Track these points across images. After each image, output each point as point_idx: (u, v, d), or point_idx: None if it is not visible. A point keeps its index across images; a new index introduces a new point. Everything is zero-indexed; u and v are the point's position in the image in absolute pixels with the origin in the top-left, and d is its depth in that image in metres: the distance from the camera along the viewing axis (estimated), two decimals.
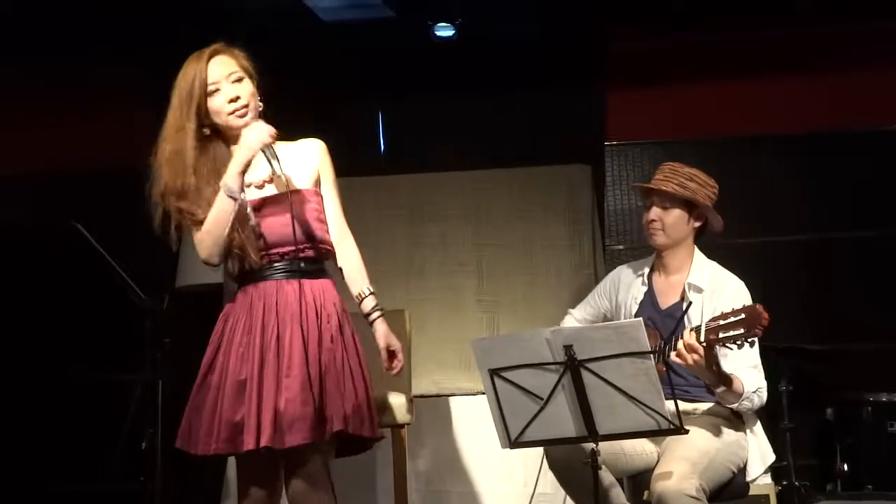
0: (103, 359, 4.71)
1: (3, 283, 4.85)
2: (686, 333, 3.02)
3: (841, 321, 4.49)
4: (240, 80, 2.96)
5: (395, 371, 3.07)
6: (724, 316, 2.99)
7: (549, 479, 4.38)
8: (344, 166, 5.15)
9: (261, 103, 2.99)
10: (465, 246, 4.79)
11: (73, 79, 4.89)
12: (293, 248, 2.94)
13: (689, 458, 3.08)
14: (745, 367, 3.19)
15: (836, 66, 4.66)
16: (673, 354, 3.03)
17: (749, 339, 2.94)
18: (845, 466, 4.06)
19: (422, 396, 4.39)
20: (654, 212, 3.40)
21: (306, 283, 2.95)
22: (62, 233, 3.71)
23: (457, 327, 4.64)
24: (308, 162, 3.06)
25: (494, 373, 2.92)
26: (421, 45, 4.78)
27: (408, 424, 4.02)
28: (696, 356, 2.98)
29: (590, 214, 4.80)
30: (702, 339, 2.99)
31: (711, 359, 3.04)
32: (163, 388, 3.76)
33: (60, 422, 4.74)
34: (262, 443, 2.79)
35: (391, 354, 3.05)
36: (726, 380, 3.11)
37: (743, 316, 2.95)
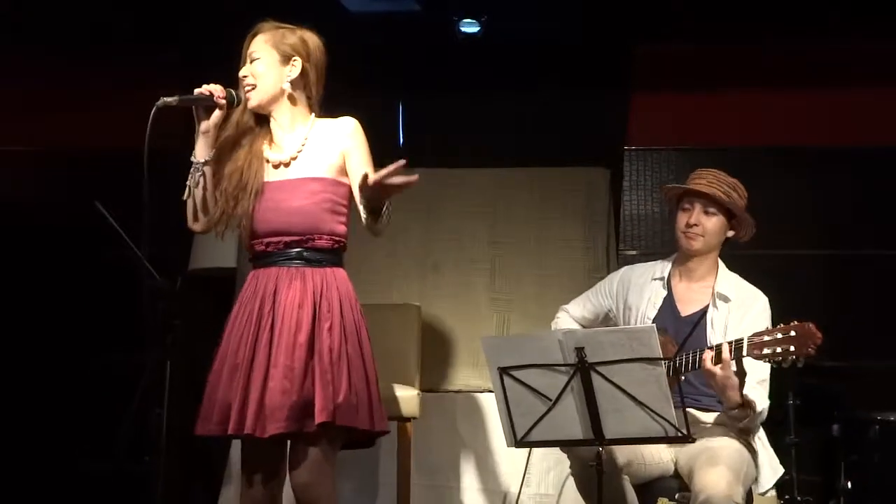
0: (114, 338, 4.73)
1: (18, 260, 4.87)
2: (725, 347, 2.98)
3: (853, 338, 4.46)
4: (256, 59, 2.98)
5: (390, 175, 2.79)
6: (769, 332, 2.94)
7: (550, 481, 4.40)
8: None
9: (288, 84, 2.98)
10: (479, 243, 4.78)
11: (99, 58, 4.90)
12: (298, 237, 2.94)
13: (730, 465, 3.06)
14: (753, 381, 3.17)
15: (867, 81, 4.64)
16: (707, 360, 3.00)
17: (800, 359, 2.88)
18: (849, 484, 4.05)
19: (430, 391, 4.40)
20: (697, 216, 3.34)
21: (309, 271, 2.93)
22: (81, 211, 3.74)
23: (468, 324, 4.64)
24: (333, 146, 3.01)
25: (504, 371, 2.92)
26: (445, 40, 4.77)
27: (414, 418, 4.02)
28: (722, 373, 2.98)
29: (606, 218, 4.78)
30: (744, 353, 2.96)
31: (741, 377, 3.03)
32: (171, 370, 3.77)
33: (70, 402, 4.75)
34: (245, 430, 2.80)
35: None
36: (744, 401, 3.09)
37: (793, 333, 2.89)
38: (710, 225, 3.34)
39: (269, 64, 2.98)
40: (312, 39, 3.05)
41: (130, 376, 3.88)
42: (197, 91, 2.93)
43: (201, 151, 2.94)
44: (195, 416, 2.95)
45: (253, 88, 2.98)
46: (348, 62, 4.81)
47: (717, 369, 2.99)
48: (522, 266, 4.74)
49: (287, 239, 2.94)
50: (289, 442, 2.92)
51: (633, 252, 4.73)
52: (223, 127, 3.00)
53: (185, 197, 2.97)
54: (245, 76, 2.99)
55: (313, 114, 3.06)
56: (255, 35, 3.02)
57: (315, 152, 3.00)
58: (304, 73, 3.02)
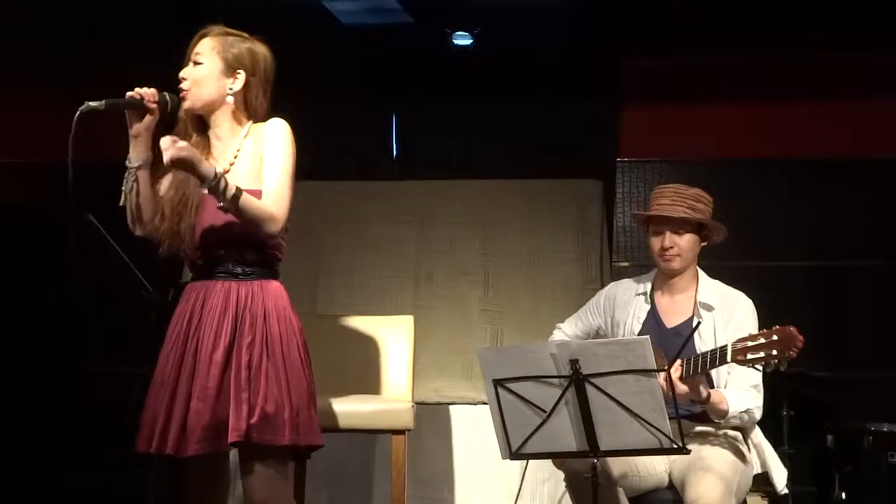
0: (106, 351, 4.71)
1: (9, 270, 4.85)
2: (683, 366, 3.02)
3: (846, 349, 4.48)
4: (198, 63, 2.90)
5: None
6: (752, 337, 2.97)
7: (545, 493, 4.39)
8: (355, 170, 5.15)
9: (231, 89, 2.89)
10: (472, 255, 4.78)
11: (89, 67, 4.89)
12: (226, 250, 2.87)
13: (723, 476, 3.07)
14: (746, 385, 3.21)
15: (854, 93, 4.66)
16: (662, 382, 3.01)
17: (782, 362, 2.91)
18: (843, 495, 4.05)
19: (423, 403, 4.38)
20: (670, 238, 3.35)
21: (235, 285, 2.86)
22: (72, 223, 3.72)
23: (460, 336, 4.63)
24: (259, 153, 2.91)
25: (498, 383, 2.91)
26: (438, 52, 4.78)
27: (408, 430, 4.00)
28: (682, 390, 3.00)
29: (598, 230, 4.79)
30: (728, 359, 2.98)
31: (695, 389, 3.06)
32: None
33: (61, 413, 4.73)
34: (167, 450, 2.78)
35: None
36: (707, 399, 3.12)
37: (775, 337, 2.92)
38: (683, 243, 3.36)
39: (211, 71, 2.90)
40: (261, 51, 2.96)
41: (122, 388, 3.86)
42: (128, 94, 2.83)
43: (135, 156, 2.84)
44: None
45: (184, 91, 2.90)
46: (342, 74, 4.85)
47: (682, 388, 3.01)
48: (515, 278, 4.75)
49: (216, 252, 2.88)
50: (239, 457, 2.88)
51: (626, 264, 4.73)
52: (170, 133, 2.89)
53: (121, 202, 2.86)
54: (184, 78, 2.91)
55: (250, 121, 2.96)
56: (202, 37, 2.94)
57: (245, 163, 2.91)
58: (247, 85, 2.93)
